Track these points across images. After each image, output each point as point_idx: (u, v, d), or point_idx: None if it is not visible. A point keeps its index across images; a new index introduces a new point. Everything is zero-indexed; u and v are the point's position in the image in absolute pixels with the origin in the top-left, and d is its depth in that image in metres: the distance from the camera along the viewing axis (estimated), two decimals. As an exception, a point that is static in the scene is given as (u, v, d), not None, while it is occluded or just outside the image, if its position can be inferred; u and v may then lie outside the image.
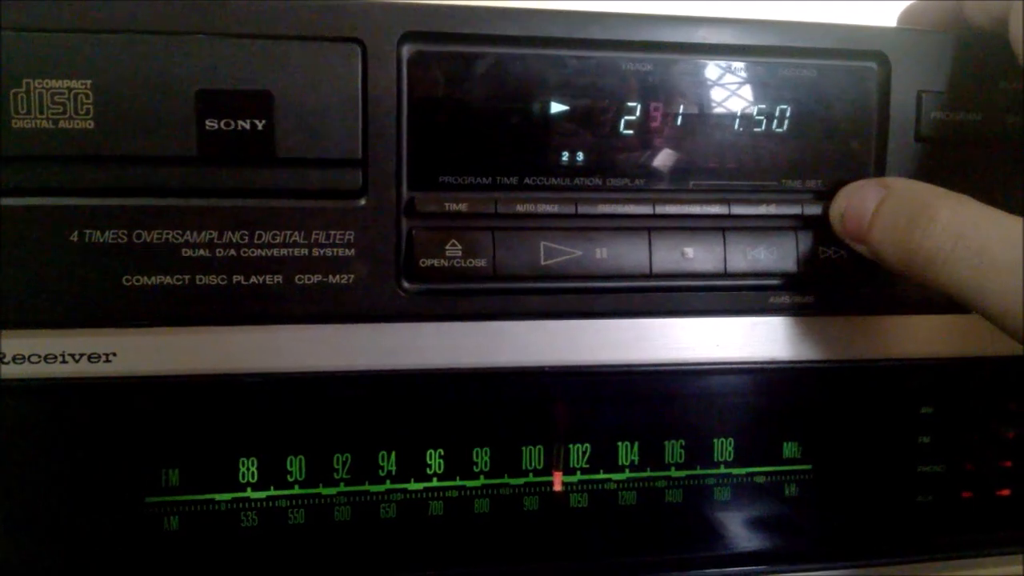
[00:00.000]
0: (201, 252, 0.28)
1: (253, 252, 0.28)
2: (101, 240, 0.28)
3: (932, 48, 0.32)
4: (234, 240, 0.28)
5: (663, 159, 0.31)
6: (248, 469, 0.31)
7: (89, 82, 0.27)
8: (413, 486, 0.32)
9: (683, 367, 0.32)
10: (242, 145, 0.28)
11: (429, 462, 0.32)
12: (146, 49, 0.27)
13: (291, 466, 0.31)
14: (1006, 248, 0.26)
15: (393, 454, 0.32)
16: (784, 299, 0.32)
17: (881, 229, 0.29)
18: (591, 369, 0.32)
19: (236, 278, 0.28)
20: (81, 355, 0.28)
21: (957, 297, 0.27)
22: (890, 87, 0.32)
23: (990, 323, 0.27)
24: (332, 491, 0.31)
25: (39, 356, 0.28)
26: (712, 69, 0.31)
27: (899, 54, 0.32)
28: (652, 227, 0.31)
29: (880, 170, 0.32)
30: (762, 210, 0.32)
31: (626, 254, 0.31)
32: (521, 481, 0.33)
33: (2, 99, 0.26)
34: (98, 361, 0.28)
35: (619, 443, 0.33)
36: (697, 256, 0.31)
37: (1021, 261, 0.26)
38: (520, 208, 0.30)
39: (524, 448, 0.32)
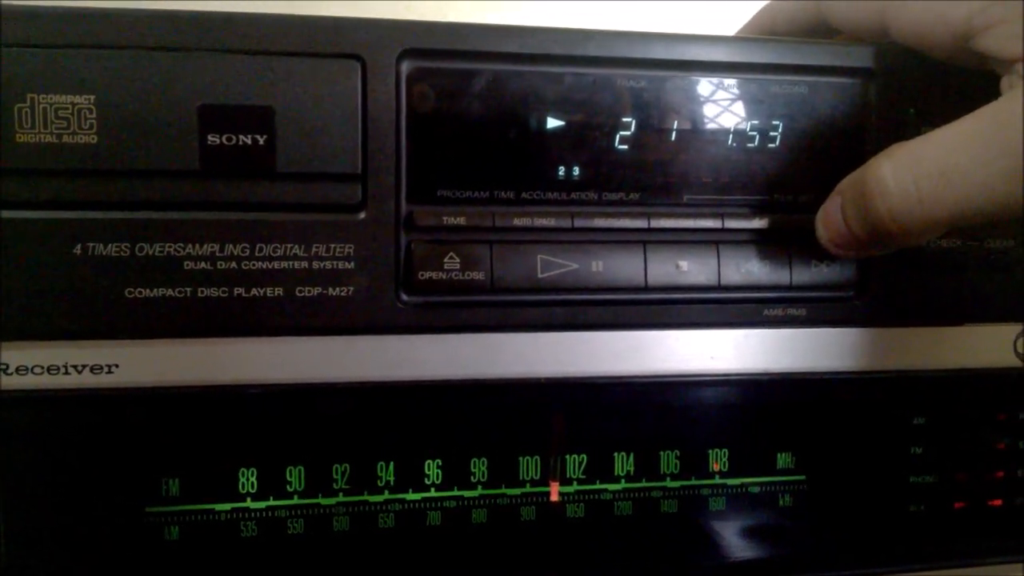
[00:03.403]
0: (203, 265, 0.28)
1: (254, 265, 0.29)
2: (104, 253, 0.28)
3: (920, 65, 0.32)
4: (235, 253, 0.29)
5: (658, 174, 0.31)
6: (248, 479, 0.31)
7: (92, 97, 0.27)
8: (411, 496, 0.32)
9: (678, 379, 0.33)
10: (243, 159, 0.28)
11: (427, 472, 0.32)
12: (149, 65, 0.27)
13: (290, 476, 0.31)
14: (965, 146, 0.27)
15: (391, 464, 0.32)
16: (777, 311, 0.33)
17: (856, 224, 0.30)
18: (587, 381, 0.32)
19: (237, 290, 0.29)
20: (84, 366, 0.28)
21: (962, 218, 0.28)
22: (879, 103, 0.32)
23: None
24: (331, 501, 0.31)
25: (42, 367, 0.28)
26: (705, 86, 0.31)
27: (888, 71, 0.32)
28: (647, 240, 0.31)
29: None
30: (755, 224, 0.32)
31: (621, 267, 0.31)
32: (518, 491, 0.33)
33: (7, 114, 0.26)
34: (100, 372, 0.29)
35: (615, 454, 0.33)
36: (691, 269, 0.32)
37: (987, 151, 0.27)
38: (517, 222, 0.31)
39: (521, 459, 0.33)
